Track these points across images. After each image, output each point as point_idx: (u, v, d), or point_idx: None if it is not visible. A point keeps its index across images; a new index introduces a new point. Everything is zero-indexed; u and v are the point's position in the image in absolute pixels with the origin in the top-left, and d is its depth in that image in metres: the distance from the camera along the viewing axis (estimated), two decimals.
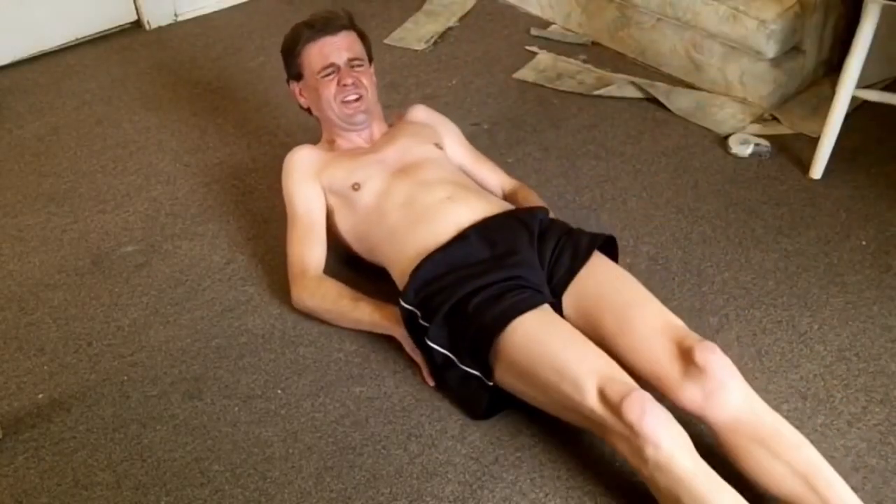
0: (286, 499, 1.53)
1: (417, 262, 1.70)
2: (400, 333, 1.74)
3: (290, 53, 2.01)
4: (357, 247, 1.92)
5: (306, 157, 1.96)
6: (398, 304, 1.69)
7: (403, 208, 1.80)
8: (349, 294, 1.83)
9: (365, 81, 1.97)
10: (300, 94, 2.05)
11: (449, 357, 1.63)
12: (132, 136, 2.50)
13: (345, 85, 1.94)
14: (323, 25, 1.98)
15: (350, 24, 2.01)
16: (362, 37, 2.04)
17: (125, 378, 1.76)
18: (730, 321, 1.84)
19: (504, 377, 1.58)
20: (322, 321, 1.86)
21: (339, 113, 1.96)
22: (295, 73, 2.03)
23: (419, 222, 1.77)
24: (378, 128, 2.04)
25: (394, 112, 2.15)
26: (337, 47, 1.96)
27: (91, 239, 2.13)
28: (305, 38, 1.98)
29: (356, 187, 1.86)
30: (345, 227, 1.91)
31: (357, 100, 1.95)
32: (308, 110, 2.07)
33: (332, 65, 1.95)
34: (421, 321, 1.66)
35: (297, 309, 1.88)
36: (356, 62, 1.98)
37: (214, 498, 1.53)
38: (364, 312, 1.79)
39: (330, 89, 1.95)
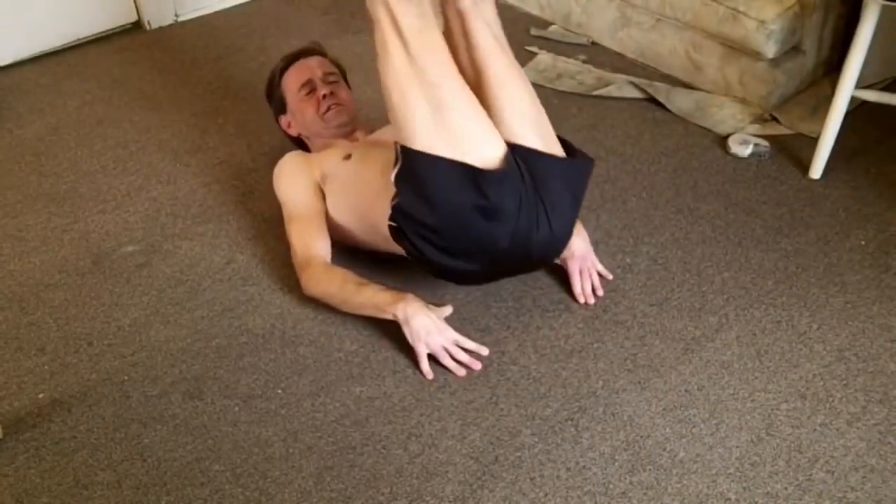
0: (286, 498, 1.53)
1: None
2: (402, 314, 1.73)
3: (271, 87, 2.19)
4: (349, 222, 1.92)
5: (297, 158, 2.05)
6: (388, 226, 1.72)
7: (391, 168, 1.80)
8: (354, 279, 1.83)
9: (342, 94, 2.11)
10: (289, 127, 2.17)
11: (407, 182, 1.66)
12: (133, 136, 2.50)
13: (324, 96, 2.07)
14: (296, 54, 2.16)
15: (322, 53, 2.19)
16: (335, 62, 2.20)
17: (126, 378, 1.76)
18: (730, 321, 1.84)
19: (396, 119, 1.68)
20: (322, 319, 1.86)
21: (325, 122, 2.08)
22: (279, 105, 2.17)
23: None
24: (362, 134, 2.14)
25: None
26: (310, 66, 2.13)
27: (91, 239, 2.13)
28: (281, 68, 2.16)
29: (347, 157, 1.95)
30: (337, 206, 1.94)
31: (338, 105, 2.08)
32: (298, 140, 2.18)
33: (308, 81, 2.11)
34: (391, 203, 1.69)
35: (306, 296, 1.88)
36: (331, 76, 2.13)
37: (215, 498, 1.54)
38: (367, 296, 1.79)
39: (311, 106, 2.09)
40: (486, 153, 1.63)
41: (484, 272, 1.77)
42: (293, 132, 2.17)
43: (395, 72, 1.64)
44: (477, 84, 1.71)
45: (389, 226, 1.71)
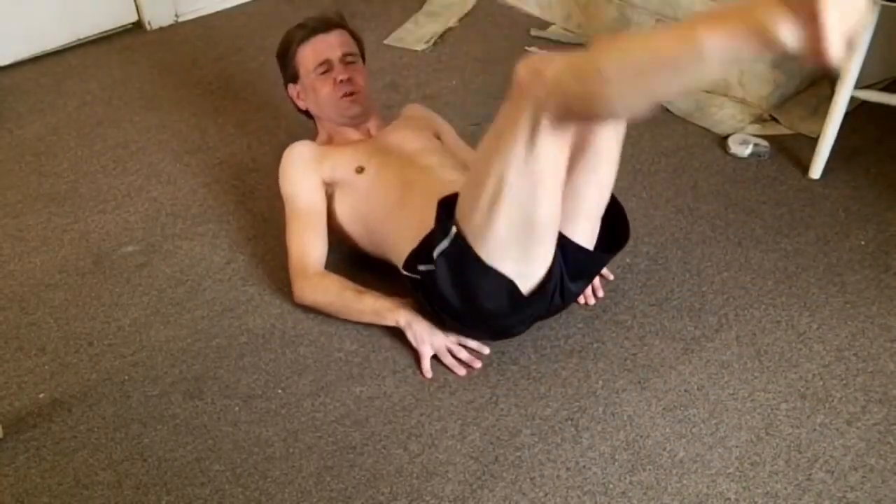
0: (286, 498, 1.53)
1: (419, 237, 1.69)
2: (404, 320, 1.75)
3: (285, 56, 2.07)
4: (355, 231, 1.91)
5: (306, 150, 1.96)
6: (401, 274, 1.71)
7: (406, 188, 1.80)
8: (352, 286, 1.83)
9: (360, 79, 2.03)
10: (298, 97, 2.09)
11: (449, 269, 1.60)
12: (133, 137, 2.50)
13: (341, 81, 1.99)
14: (315, 25, 2.04)
15: (342, 24, 2.07)
16: (355, 36, 2.09)
17: (126, 378, 1.77)
18: (729, 321, 1.84)
19: (472, 209, 1.53)
20: (322, 319, 1.86)
21: (338, 108, 2.01)
22: (291, 75, 2.08)
23: (422, 199, 1.73)
24: (375, 124, 2.08)
25: (393, 113, 2.17)
26: (330, 44, 2.02)
27: (92, 239, 2.13)
28: (299, 39, 2.04)
29: (359, 170, 1.88)
30: (344, 212, 1.91)
31: (354, 94, 2.00)
32: (305, 112, 2.11)
33: (326, 61, 2.01)
34: (420, 267, 1.65)
35: (297, 304, 1.88)
36: (349, 57, 2.03)
37: (215, 497, 1.54)
38: (367, 302, 1.79)
39: (327, 86, 2.00)
40: (537, 271, 1.59)
41: (491, 338, 1.80)
42: (301, 105, 2.11)
43: (506, 164, 1.45)
44: (573, 162, 1.56)
45: (407, 276, 1.70)
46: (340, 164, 1.92)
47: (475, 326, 1.74)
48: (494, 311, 1.64)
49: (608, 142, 1.60)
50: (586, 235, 1.67)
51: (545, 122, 1.39)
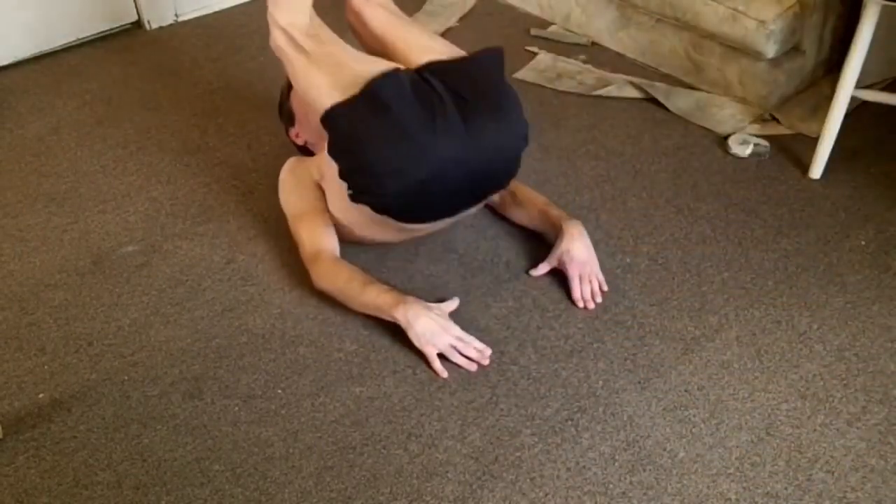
0: (286, 498, 1.53)
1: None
2: (405, 319, 1.74)
3: (281, 103, 2.20)
4: (342, 217, 1.92)
5: (296, 168, 2.04)
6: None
7: None
8: (360, 277, 1.84)
9: None
10: (297, 137, 2.18)
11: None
12: (133, 137, 2.50)
13: None
14: None
15: None
16: None
17: (125, 378, 1.77)
18: (729, 321, 1.84)
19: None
20: (322, 319, 1.86)
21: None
22: (288, 118, 2.18)
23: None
24: None
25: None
26: None
27: (91, 239, 2.13)
28: (289, 86, 2.14)
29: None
30: (332, 202, 1.93)
31: None
32: (304, 147, 2.19)
33: None
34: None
35: (311, 292, 1.90)
36: None
37: (215, 497, 1.54)
38: (370, 296, 1.80)
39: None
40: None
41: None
42: (300, 142, 2.18)
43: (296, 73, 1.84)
44: (383, 50, 1.92)
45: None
46: (327, 163, 1.92)
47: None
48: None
49: (377, 16, 1.98)
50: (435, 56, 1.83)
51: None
